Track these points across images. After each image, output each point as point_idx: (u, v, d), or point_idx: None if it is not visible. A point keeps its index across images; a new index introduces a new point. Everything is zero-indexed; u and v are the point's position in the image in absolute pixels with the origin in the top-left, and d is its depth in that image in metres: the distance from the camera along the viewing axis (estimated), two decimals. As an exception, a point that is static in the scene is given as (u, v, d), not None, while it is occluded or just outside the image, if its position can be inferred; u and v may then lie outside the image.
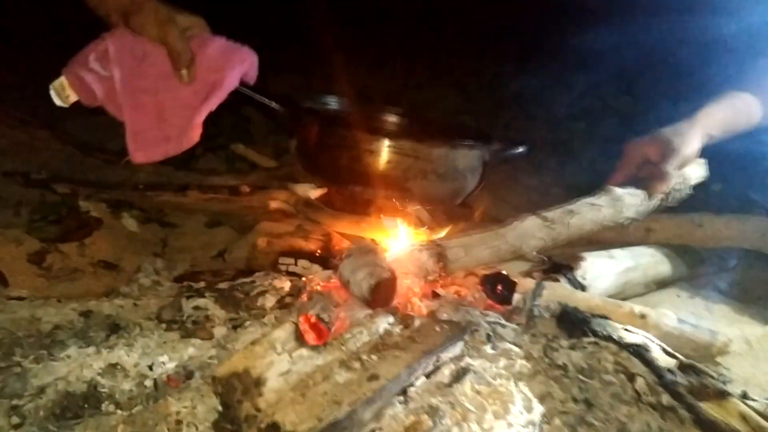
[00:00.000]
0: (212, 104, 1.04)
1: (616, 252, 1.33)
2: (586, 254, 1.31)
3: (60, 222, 1.37)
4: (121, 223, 1.50)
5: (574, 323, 0.92)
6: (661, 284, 1.37)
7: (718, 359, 1.06)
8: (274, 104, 1.08)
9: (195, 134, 1.04)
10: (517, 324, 0.96)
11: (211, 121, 2.13)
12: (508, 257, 1.09)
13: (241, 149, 1.83)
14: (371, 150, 0.96)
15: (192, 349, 0.97)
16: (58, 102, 1.04)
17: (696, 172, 1.31)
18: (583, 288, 1.21)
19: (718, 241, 1.40)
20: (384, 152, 0.97)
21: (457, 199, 1.09)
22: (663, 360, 0.81)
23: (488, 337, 0.91)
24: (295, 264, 1.23)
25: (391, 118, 1.29)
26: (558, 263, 1.24)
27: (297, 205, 1.35)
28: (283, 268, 1.23)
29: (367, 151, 0.96)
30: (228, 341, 0.98)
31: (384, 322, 0.87)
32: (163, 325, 1.05)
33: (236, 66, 1.05)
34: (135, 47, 1.04)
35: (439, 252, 1.00)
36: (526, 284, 1.08)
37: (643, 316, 1.06)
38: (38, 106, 1.90)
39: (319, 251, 1.24)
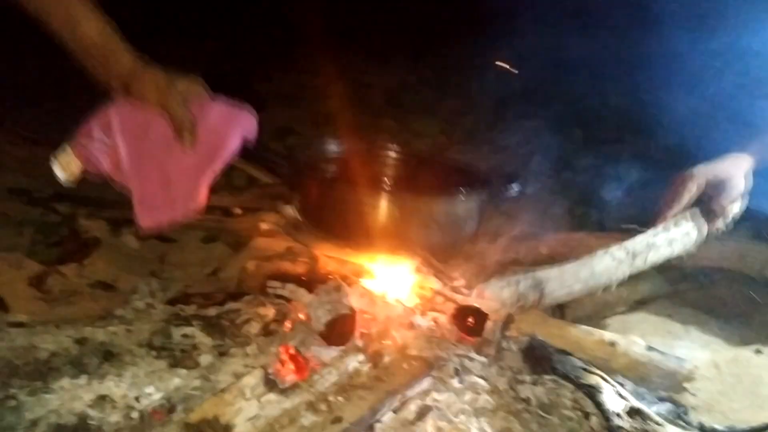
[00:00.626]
0: (216, 169, 1.08)
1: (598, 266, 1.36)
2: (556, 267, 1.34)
3: (60, 244, 1.43)
4: (121, 240, 1.55)
5: (538, 359, 0.96)
6: (641, 302, 1.40)
7: (686, 384, 1.10)
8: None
9: (201, 198, 1.08)
10: (486, 356, 1.00)
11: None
12: (594, 291, 1.16)
13: (239, 163, 1.87)
14: (372, 206, 1.00)
15: (177, 380, 1.02)
16: (61, 176, 1.09)
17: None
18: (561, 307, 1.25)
19: (698, 261, 1.42)
20: (385, 208, 1.02)
21: (459, 244, 1.12)
22: (613, 403, 0.85)
23: (456, 371, 0.95)
24: (283, 287, 1.27)
25: (391, 161, 1.30)
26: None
27: (285, 228, 1.40)
28: (271, 291, 1.27)
29: (368, 207, 1.00)
30: (212, 371, 1.04)
31: (354, 361, 0.92)
32: (153, 353, 1.10)
33: (237, 129, 1.09)
34: (137, 116, 1.08)
35: (536, 284, 1.08)
36: (497, 315, 1.12)
37: (612, 344, 1.10)
38: (39, 125, 1.97)
39: (304, 275, 1.28)
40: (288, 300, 1.24)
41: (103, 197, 1.64)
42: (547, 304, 1.15)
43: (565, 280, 1.14)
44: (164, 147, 1.09)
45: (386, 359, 0.93)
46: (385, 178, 1.23)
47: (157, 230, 1.12)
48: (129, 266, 1.47)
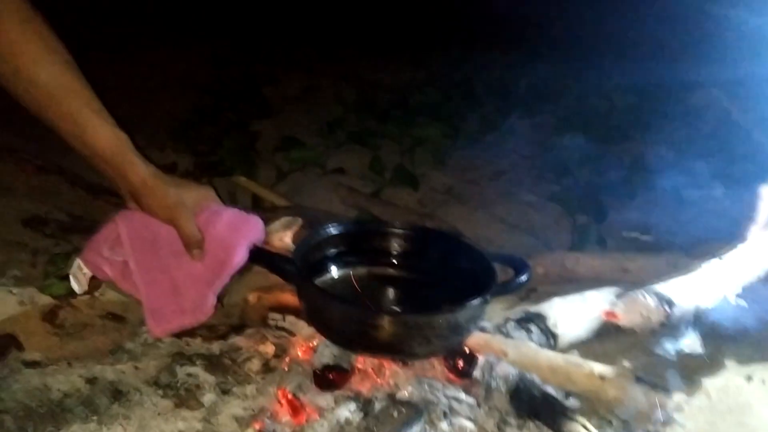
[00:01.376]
0: (224, 279, 1.14)
1: (590, 294, 1.39)
2: (558, 299, 1.37)
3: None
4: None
5: (524, 402, 1.00)
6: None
7: (675, 415, 1.13)
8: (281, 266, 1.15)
9: (209, 308, 1.14)
10: (475, 397, 1.04)
11: (213, 144, 2.21)
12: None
13: (243, 182, 1.91)
14: (374, 325, 1.03)
15: (181, 423, 1.08)
16: (77, 288, 1.16)
17: None
18: (554, 337, 1.28)
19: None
20: (387, 326, 1.03)
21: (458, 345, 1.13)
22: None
23: (444, 414, 0.99)
24: (283, 319, 1.32)
25: (394, 247, 1.31)
26: (529, 313, 1.31)
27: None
28: (272, 323, 1.32)
29: (370, 326, 1.03)
30: (213, 414, 1.09)
31: (345, 410, 0.96)
32: (160, 392, 1.16)
33: (245, 240, 1.14)
34: (146, 230, 1.13)
35: (665, 298, 1.15)
36: (491, 348, 1.16)
37: (602, 378, 1.13)
38: (49, 154, 2.02)
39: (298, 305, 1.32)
40: (289, 333, 1.29)
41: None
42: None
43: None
44: (173, 257, 1.15)
45: (377, 406, 0.97)
46: (391, 291, 1.25)
47: (168, 334, 1.19)
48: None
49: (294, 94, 2.91)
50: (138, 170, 1.09)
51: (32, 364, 1.23)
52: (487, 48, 3.47)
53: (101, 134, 1.07)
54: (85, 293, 1.45)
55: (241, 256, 1.15)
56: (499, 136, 2.54)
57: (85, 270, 1.21)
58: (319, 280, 1.22)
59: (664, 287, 1.30)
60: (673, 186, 2.15)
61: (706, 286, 1.33)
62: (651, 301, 1.20)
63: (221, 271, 1.15)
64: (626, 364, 1.19)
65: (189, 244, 1.14)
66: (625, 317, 1.18)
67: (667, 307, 1.20)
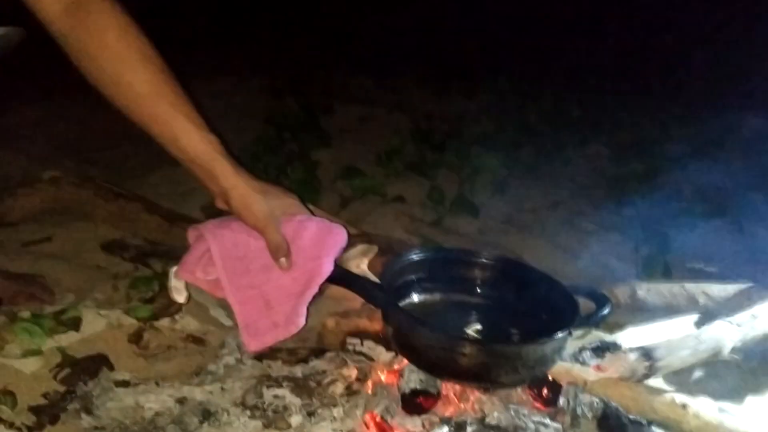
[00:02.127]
0: (312, 291, 1.18)
1: (663, 324, 1.40)
2: (632, 328, 1.39)
3: (153, 300, 1.54)
4: (206, 293, 1.65)
5: (612, 429, 1.01)
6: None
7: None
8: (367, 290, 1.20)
9: (301, 320, 1.19)
10: (561, 423, 1.06)
11: (277, 173, 2.27)
12: (704, 356, 1.23)
13: (311, 209, 1.95)
14: (463, 353, 1.06)
15: (272, 443, 1.11)
16: (181, 298, 1.23)
17: None
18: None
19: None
20: (476, 355, 1.07)
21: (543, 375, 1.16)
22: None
23: (533, 439, 1.01)
24: (361, 344, 1.35)
25: (475, 276, 1.33)
26: (605, 342, 1.32)
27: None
28: (350, 348, 1.36)
29: (459, 354, 1.06)
30: (302, 433, 1.13)
31: (437, 434, 0.99)
32: (248, 412, 1.20)
33: (332, 250, 1.18)
34: (235, 248, 1.19)
35: (646, 353, 1.16)
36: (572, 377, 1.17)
37: (684, 406, 1.13)
38: (127, 182, 2.11)
39: (382, 333, 1.36)
40: (368, 357, 1.33)
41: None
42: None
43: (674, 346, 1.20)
44: (263, 273, 1.19)
45: (469, 430, 1.00)
46: (473, 319, 1.26)
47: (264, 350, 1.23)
48: (214, 318, 1.56)
49: (350, 124, 2.98)
50: (228, 174, 1.14)
51: (123, 384, 1.29)
52: (536, 77, 3.51)
53: (193, 138, 1.12)
54: (165, 315, 1.52)
55: (328, 267, 1.19)
56: (555, 165, 2.56)
57: (183, 283, 1.27)
58: (402, 304, 1.25)
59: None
60: (733, 217, 2.14)
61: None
62: (632, 355, 1.21)
63: (310, 283, 1.19)
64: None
65: (276, 253, 1.18)
66: (612, 370, 1.19)
67: (646, 360, 1.21)
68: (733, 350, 1.31)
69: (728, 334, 1.30)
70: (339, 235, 1.22)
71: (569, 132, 2.82)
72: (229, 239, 1.21)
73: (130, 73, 1.13)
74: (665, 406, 1.14)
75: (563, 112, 3.03)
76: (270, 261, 1.20)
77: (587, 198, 2.31)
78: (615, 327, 1.49)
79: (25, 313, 1.40)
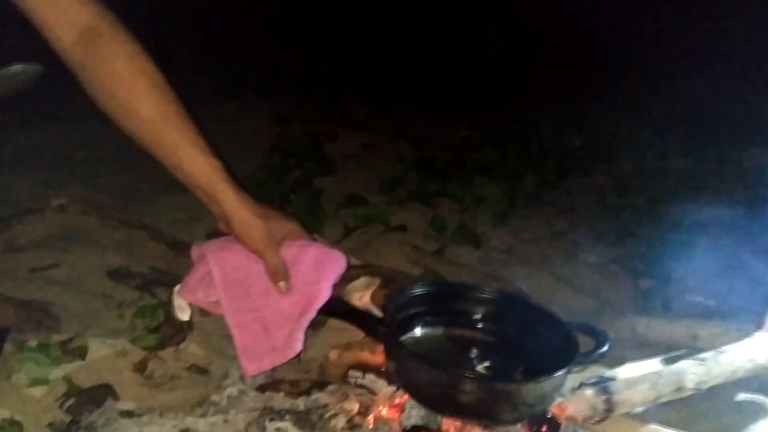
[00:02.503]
0: (310, 316, 1.21)
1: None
2: (630, 364, 1.40)
3: (158, 329, 1.56)
4: (209, 321, 1.67)
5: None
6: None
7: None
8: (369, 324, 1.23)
9: (298, 345, 1.21)
10: (560, 462, 1.07)
11: (281, 200, 2.29)
12: (666, 391, 1.24)
13: (316, 239, 1.98)
14: (464, 390, 1.08)
15: (275, 478, 1.12)
16: (185, 317, 1.26)
17: None
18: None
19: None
20: (477, 392, 1.09)
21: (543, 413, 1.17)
22: None
23: (532, 478, 1.02)
24: (363, 377, 1.36)
25: (477, 311, 1.35)
26: (604, 377, 1.33)
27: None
28: (352, 381, 1.36)
29: (459, 390, 1.08)
30: (305, 469, 1.14)
31: (438, 471, 1.00)
32: (250, 445, 1.21)
33: (330, 276, 1.21)
34: (236, 271, 1.21)
35: (604, 388, 1.16)
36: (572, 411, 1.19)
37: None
38: (132, 209, 2.14)
39: (384, 366, 1.37)
40: (370, 390, 1.34)
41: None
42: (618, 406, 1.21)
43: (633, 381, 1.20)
44: (262, 297, 1.22)
45: (468, 469, 1.01)
46: (474, 355, 1.27)
47: (261, 374, 1.24)
48: (219, 348, 1.58)
49: (354, 151, 3.01)
50: (230, 199, 1.18)
51: (127, 414, 1.30)
52: (538, 107, 3.55)
53: (197, 163, 1.16)
54: (169, 344, 1.54)
55: (326, 293, 1.21)
56: (556, 195, 2.59)
57: (185, 302, 1.30)
58: (403, 339, 1.26)
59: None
60: (734, 251, 2.16)
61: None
62: (588, 391, 1.22)
63: (308, 308, 1.21)
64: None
65: (275, 277, 1.21)
66: (572, 408, 1.21)
67: (603, 394, 1.22)
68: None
69: (691, 368, 1.30)
70: (338, 261, 1.25)
71: (571, 162, 2.85)
72: (230, 262, 1.24)
73: (138, 100, 1.16)
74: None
75: (565, 142, 3.05)
76: (269, 285, 1.22)
77: (588, 229, 2.33)
78: (614, 362, 1.51)
79: (32, 342, 1.42)
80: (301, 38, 4.35)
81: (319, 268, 1.23)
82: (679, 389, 1.28)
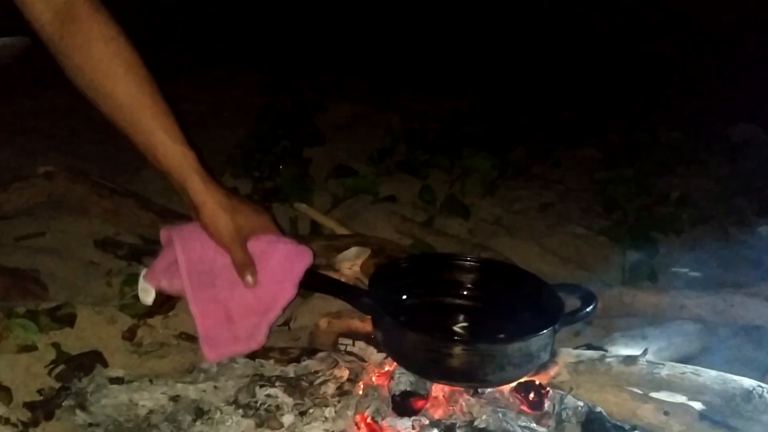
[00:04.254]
0: (276, 313, 1.24)
1: (650, 331, 1.43)
2: (618, 335, 1.42)
3: (148, 297, 1.55)
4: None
5: (596, 433, 1.04)
6: (691, 359, 1.46)
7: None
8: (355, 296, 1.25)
9: (263, 338, 1.25)
10: (546, 427, 1.09)
11: (270, 170, 2.28)
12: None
13: (303, 209, 1.98)
14: (450, 354, 1.10)
15: (265, 442, 1.14)
16: (149, 299, 1.28)
17: None
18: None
19: (750, 320, 1.48)
20: (462, 355, 1.11)
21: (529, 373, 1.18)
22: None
23: (519, 443, 1.04)
24: (353, 345, 1.37)
25: (462, 278, 1.36)
26: (591, 347, 1.35)
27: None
28: (342, 348, 1.38)
29: (446, 355, 1.10)
30: (294, 433, 1.15)
31: (426, 436, 1.01)
32: (240, 411, 1.21)
33: (297, 275, 1.21)
34: (202, 261, 1.23)
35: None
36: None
37: (666, 413, 1.16)
38: (121, 177, 2.12)
39: (370, 332, 1.38)
40: (359, 358, 1.35)
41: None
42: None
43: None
44: (227, 288, 1.24)
45: (457, 433, 1.02)
46: (461, 321, 1.30)
47: (221, 360, 1.28)
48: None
49: (342, 122, 2.99)
50: (198, 191, 1.18)
51: (117, 380, 1.30)
52: (527, 80, 3.54)
53: (168, 151, 1.17)
54: (158, 312, 1.54)
55: (292, 293, 1.25)
56: (545, 167, 2.59)
57: (150, 288, 1.31)
58: (391, 311, 1.27)
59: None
60: (720, 223, 2.19)
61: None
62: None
63: (274, 305, 1.25)
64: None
65: (241, 271, 1.23)
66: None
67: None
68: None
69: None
70: (306, 260, 1.26)
71: (559, 134, 2.85)
72: (197, 253, 1.25)
73: (113, 84, 1.16)
74: (649, 412, 1.17)
75: (554, 114, 3.05)
76: (236, 278, 1.23)
77: (576, 201, 2.34)
78: (602, 332, 1.53)
79: (20, 309, 1.41)
80: (289, 8, 4.30)
81: (286, 265, 1.24)
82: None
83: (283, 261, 1.24)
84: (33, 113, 2.70)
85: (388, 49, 3.84)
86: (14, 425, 1.17)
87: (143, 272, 1.38)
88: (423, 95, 3.37)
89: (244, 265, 1.22)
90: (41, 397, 1.24)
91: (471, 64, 3.73)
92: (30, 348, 1.34)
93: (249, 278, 1.22)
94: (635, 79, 3.33)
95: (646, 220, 2.12)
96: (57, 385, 1.27)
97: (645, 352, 1.23)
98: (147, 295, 1.39)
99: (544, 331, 1.13)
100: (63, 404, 1.22)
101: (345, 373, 1.27)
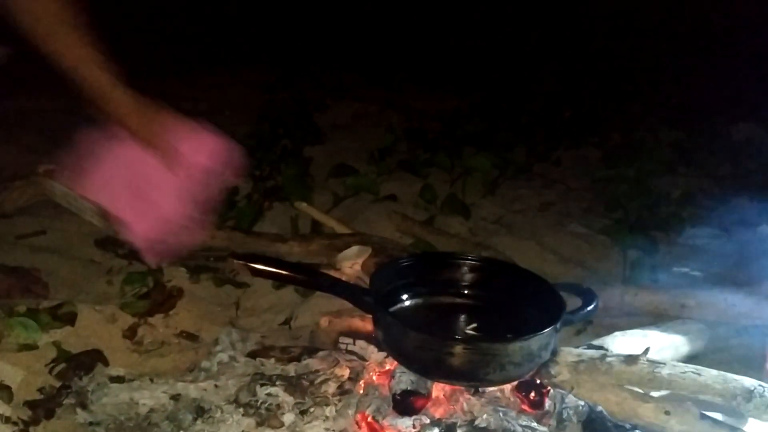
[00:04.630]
0: (200, 193, 1.22)
1: (651, 330, 1.43)
2: (619, 333, 1.42)
3: (148, 296, 1.56)
4: (200, 287, 1.67)
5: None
6: (691, 358, 1.46)
7: (738, 451, 1.16)
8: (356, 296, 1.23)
9: (201, 226, 1.22)
10: (547, 426, 1.09)
11: (270, 169, 2.27)
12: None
13: (304, 208, 1.98)
14: (451, 353, 1.10)
15: (266, 441, 1.13)
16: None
17: None
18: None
19: (751, 320, 1.48)
20: (464, 354, 1.10)
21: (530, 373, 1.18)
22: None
23: (521, 442, 1.04)
24: (354, 344, 1.37)
25: (463, 277, 1.35)
26: (592, 346, 1.35)
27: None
28: (342, 347, 1.37)
29: (447, 354, 1.10)
30: (295, 432, 1.15)
31: (427, 435, 1.01)
32: (240, 410, 1.21)
33: (210, 152, 1.22)
34: (132, 160, 1.22)
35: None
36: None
37: (667, 413, 1.16)
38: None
39: (371, 331, 1.37)
40: (360, 357, 1.35)
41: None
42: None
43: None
44: (157, 185, 1.22)
45: (459, 432, 1.02)
46: (462, 320, 1.29)
47: (164, 260, 1.25)
48: (209, 315, 1.59)
49: (343, 121, 2.99)
50: (123, 97, 1.19)
51: (117, 379, 1.31)
52: (529, 79, 3.53)
53: (92, 66, 1.17)
54: (158, 311, 1.54)
55: (209, 167, 1.23)
56: (546, 166, 2.59)
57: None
58: (392, 309, 1.27)
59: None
60: (721, 222, 2.18)
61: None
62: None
63: (196, 186, 1.22)
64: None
65: (167, 163, 1.22)
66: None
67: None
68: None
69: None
70: (214, 140, 1.25)
71: (561, 133, 2.85)
72: (127, 152, 1.23)
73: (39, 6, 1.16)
74: (649, 411, 1.17)
75: (555, 114, 3.05)
76: (164, 175, 1.23)
77: (577, 200, 2.34)
78: (603, 332, 1.53)
79: (21, 308, 1.42)
80: (290, 7, 4.30)
81: (204, 151, 1.23)
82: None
83: (201, 148, 1.24)
84: (29, 110, 2.70)
85: (388, 48, 3.84)
86: (15, 423, 1.17)
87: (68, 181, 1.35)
88: (423, 94, 3.37)
89: (166, 153, 1.22)
90: (42, 396, 1.25)
91: (471, 63, 3.73)
92: (31, 347, 1.34)
93: (171, 164, 1.22)
94: (636, 78, 3.32)
95: (647, 219, 2.12)
96: (58, 384, 1.27)
97: (646, 352, 1.23)
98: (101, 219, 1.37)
99: (545, 330, 1.12)
100: (64, 403, 1.22)
101: (346, 372, 1.27)
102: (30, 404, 1.22)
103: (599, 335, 1.50)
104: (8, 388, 1.23)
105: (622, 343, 1.38)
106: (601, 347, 1.35)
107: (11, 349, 1.33)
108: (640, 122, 2.96)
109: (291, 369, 1.31)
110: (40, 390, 1.26)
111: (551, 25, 3.95)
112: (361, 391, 1.21)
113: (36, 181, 1.90)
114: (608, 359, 1.22)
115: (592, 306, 1.24)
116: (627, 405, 1.17)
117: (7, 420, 1.17)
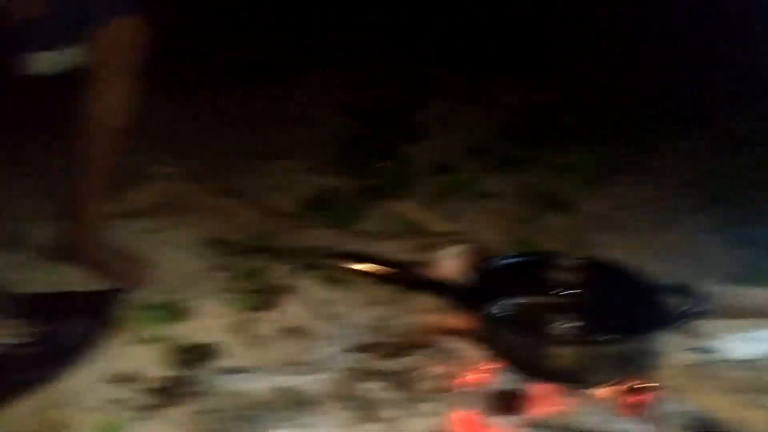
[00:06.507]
0: None
1: (765, 334, 1.36)
2: (731, 335, 1.36)
3: (256, 292, 1.64)
4: (304, 285, 1.73)
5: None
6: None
7: None
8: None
9: None
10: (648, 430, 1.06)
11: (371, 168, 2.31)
12: None
13: (407, 208, 2.00)
14: (553, 353, 1.11)
15: (365, 437, 1.18)
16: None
17: None
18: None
19: None
20: (562, 355, 1.11)
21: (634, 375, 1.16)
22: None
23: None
24: (450, 342, 1.39)
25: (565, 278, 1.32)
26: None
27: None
28: (441, 345, 1.40)
29: (548, 354, 1.11)
30: (395, 429, 1.18)
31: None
32: (341, 404, 1.26)
33: None
34: None
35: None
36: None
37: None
38: (230, 178, 2.22)
39: (471, 333, 1.38)
40: (458, 355, 1.36)
41: (288, 245, 1.84)
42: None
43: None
44: None
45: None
46: (563, 320, 1.26)
47: None
48: (313, 310, 1.64)
49: (441, 118, 2.99)
50: None
51: (228, 371, 1.39)
52: (618, 70, 3.38)
53: None
54: (274, 306, 1.61)
55: None
56: (649, 160, 2.49)
57: None
58: (492, 309, 1.27)
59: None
60: None
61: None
62: None
63: None
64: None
65: None
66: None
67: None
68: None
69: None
70: None
71: (664, 125, 2.73)
72: None
73: None
74: (761, 419, 1.12)
75: (658, 105, 2.92)
76: None
77: (684, 196, 2.24)
78: (713, 334, 1.46)
79: (141, 302, 1.53)
80: (383, 5, 4.32)
81: None
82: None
83: None
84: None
85: (477, 43, 3.78)
86: (137, 409, 1.26)
87: None
88: (510, 88, 3.30)
89: None
90: (161, 386, 1.34)
91: (557, 55, 3.61)
92: (150, 339, 1.44)
93: None
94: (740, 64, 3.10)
95: (760, 214, 2.00)
96: (173, 375, 1.36)
97: (760, 356, 1.18)
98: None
99: (652, 331, 1.10)
100: (180, 392, 1.31)
101: (443, 370, 1.29)
102: (150, 392, 1.31)
103: (709, 338, 1.44)
104: (131, 376, 1.33)
105: (733, 346, 1.33)
106: (710, 350, 1.30)
107: (133, 341, 1.44)
108: (752, 108, 2.77)
109: (390, 365, 1.35)
110: (158, 379, 1.35)
111: (645, 17, 3.77)
112: (459, 389, 1.22)
113: (159, 182, 2.05)
114: (718, 363, 1.18)
115: (702, 307, 1.19)
116: (736, 411, 1.13)
117: (131, 407, 1.27)
